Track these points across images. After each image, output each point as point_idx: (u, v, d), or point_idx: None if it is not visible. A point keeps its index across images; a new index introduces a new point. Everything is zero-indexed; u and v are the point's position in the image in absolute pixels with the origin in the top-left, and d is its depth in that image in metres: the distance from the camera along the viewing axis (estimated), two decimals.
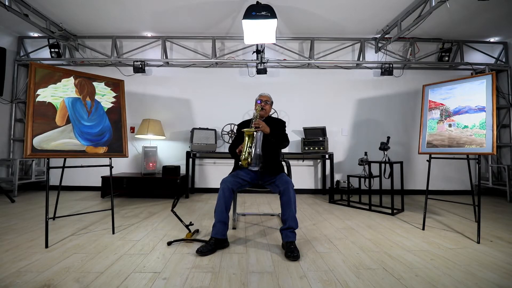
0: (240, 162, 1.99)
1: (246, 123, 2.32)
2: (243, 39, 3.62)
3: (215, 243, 1.80)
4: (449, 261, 1.68)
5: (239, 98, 4.35)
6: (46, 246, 1.83)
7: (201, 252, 1.72)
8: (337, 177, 4.27)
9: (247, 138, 2.00)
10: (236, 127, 2.32)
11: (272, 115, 4.21)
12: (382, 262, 1.65)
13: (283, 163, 2.44)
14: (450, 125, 2.35)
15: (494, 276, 1.47)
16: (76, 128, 2.12)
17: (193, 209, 3.08)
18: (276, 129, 2.19)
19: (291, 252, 1.69)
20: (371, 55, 4.39)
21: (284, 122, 2.35)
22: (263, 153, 2.21)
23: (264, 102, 2.30)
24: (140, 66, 4.19)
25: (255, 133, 2.08)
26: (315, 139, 3.92)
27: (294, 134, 4.36)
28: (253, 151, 2.02)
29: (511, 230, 2.34)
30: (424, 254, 1.78)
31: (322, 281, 1.41)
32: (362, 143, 4.34)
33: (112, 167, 2.27)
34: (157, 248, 1.85)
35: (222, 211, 1.87)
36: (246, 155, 1.96)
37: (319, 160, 4.34)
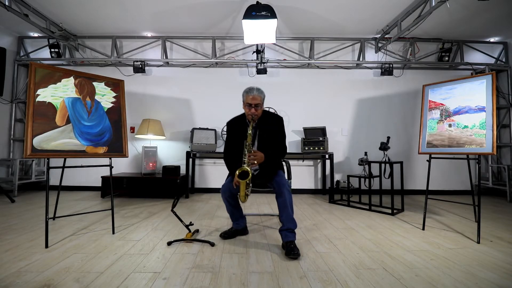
0: (239, 198, 1.91)
1: (236, 121, 2.10)
2: (243, 39, 3.62)
3: (235, 231, 2.10)
4: (449, 261, 1.68)
5: (239, 98, 4.31)
6: (46, 246, 1.83)
7: (224, 236, 2.04)
8: (337, 177, 4.27)
9: (242, 184, 1.81)
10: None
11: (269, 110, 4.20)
12: (382, 262, 1.65)
13: (283, 163, 2.43)
14: (450, 125, 2.35)
15: (494, 276, 1.47)
16: (76, 128, 2.12)
17: (193, 209, 3.08)
18: (274, 131, 2.01)
19: (291, 250, 1.70)
20: (371, 55, 4.39)
21: (281, 119, 2.07)
22: (260, 170, 2.00)
23: (255, 107, 1.94)
24: (140, 66, 4.19)
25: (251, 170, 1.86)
26: (315, 139, 3.92)
27: (294, 134, 4.36)
28: (250, 181, 1.86)
29: (511, 230, 2.34)
30: (424, 254, 1.78)
31: (322, 281, 1.41)
32: (362, 143, 4.34)
33: (112, 167, 2.27)
34: (157, 248, 1.85)
35: (232, 212, 2.08)
36: (243, 195, 1.84)
37: (319, 160, 4.34)
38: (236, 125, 2.09)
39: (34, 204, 3.22)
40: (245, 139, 1.90)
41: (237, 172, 1.83)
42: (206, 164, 4.34)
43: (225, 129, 4.25)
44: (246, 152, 1.88)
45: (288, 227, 1.82)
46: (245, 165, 1.86)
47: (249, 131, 1.89)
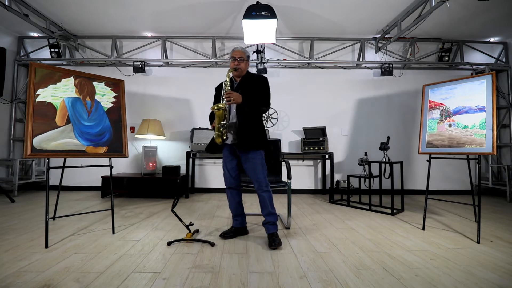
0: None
1: (221, 84, 2.12)
2: (243, 39, 3.62)
3: (235, 231, 2.11)
4: (449, 261, 1.68)
5: None
6: (46, 246, 1.83)
7: (224, 236, 2.06)
8: (337, 177, 4.27)
9: (218, 114, 1.90)
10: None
11: (271, 115, 4.25)
12: (382, 262, 1.65)
13: (283, 163, 2.43)
14: (450, 125, 2.35)
15: (494, 276, 1.47)
16: (76, 128, 2.12)
17: (193, 209, 3.08)
18: (257, 89, 1.98)
19: (272, 241, 1.87)
20: (371, 55, 4.39)
21: (265, 79, 2.05)
22: (239, 122, 1.97)
23: (238, 60, 1.98)
24: (140, 66, 4.19)
25: (226, 107, 1.92)
26: (315, 139, 3.92)
27: (294, 134, 4.36)
28: (227, 124, 1.93)
29: (511, 230, 2.34)
30: (424, 254, 1.78)
31: (322, 281, 1.41)
32: (362, 143, 4.34)
33: (112, 167, 2.27)
34: (157, 248, 1.85)
35: (235, 207, 2.13)
36: (217, 133, 1.92)
37: (319, 160, 4.34)
38: (221, 86, 2.11)
39: (34, 204, 3.22)
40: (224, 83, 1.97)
41: (214, 106, 1.89)
42: (206, 164, 4.34)
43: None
44: (223, 92, 1.94)
45: (268, 221, 1.97)
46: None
47: (228, 76, 1.95)
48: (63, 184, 3.34)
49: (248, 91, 1.97)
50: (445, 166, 4.29)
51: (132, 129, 4.32)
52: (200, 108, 4.38)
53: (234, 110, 1.99)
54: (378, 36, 4.21)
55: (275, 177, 2.61)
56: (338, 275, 1.47)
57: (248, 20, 3.10)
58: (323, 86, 4.42)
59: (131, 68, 4.31)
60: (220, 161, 4.31)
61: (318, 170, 4.34)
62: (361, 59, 4.28)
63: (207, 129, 4.01)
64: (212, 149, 2.08)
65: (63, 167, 2.33)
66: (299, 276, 1.46)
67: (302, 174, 4.31)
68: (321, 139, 3.90)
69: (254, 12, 3.05)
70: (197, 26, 4.04)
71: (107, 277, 1.42)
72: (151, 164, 3.91)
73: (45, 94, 2.01)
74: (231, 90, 1.96)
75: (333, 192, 3.70)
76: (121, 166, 4.26)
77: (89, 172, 4.22)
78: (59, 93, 2.08)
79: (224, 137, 1.94)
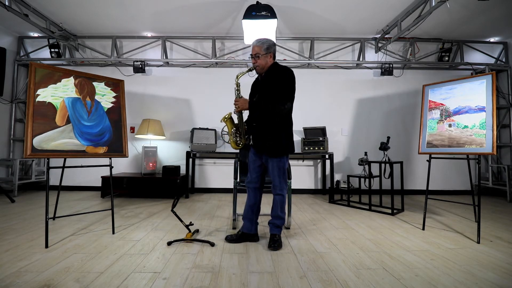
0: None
1: (253, 83, 2.12)
2: (243, 39, 3.62)
3: (241, 236, 1.99)
4: (449, 261, 1.68)
5: None
6: (46, 246, 1.83)
7: (229, 240, 1.97)
8: (337, 177, 4.27)
9: (227, 123, 2.02)
10: None
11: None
12: (382, 262, 1.65)
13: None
14: (450, 125, 2.35)
15: (494, 276, 1.47)
16: (76, 128, 2.12)
17: (193, 209, 3.08)
18: (276, 81, 1.84)
19: (272, 243, 1.86)
20: (371, 55, 4.39)
21: (285, 73, 1.83)
22: (254, 126, 1.98)
23: (254, 58, 1.87)
24: (140, 66, 4.19)
25: (232, 115, 2.02)
26: (315, 139, 3.92)
27: (294, 134, 4.34)
28: (241, 130, 2.02)
29: (511, 230, 2.34)
30: (424, 254, 1.78)
31: (322, 281, 1.41)
32: (362, 143, 4.33)
33: (112, 167, 2.26)
34: (157, 248, 1.85)
35: (247, 209, 2.04)
36: (231, 138, 2.03)
37: (319, 160, 4.34)
38: (253, 84, 2.15)
39: (34, 204, 3.22)
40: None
41: (223, 118, 2.03)
42: (206, 164, 4.34)
43: (225, 129, 4.26)
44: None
45: (274, 222, 1.96)
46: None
47: (236, 81, 1.97)
48: (63, 184, 3.34)
49: (266, 87, 1.89)
50: (445, 166, 4.29)
51: (132, 129, 4.32)
52: (200, 108, 4.38)
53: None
54: (378, 36, 4.21)
55: None
56: (338, 275, 1.47)
57: (248, 20, 3.10)
58: (323, 86, 4.42)
59: (131, 68, 4.31)
60: (220, 161, 4.31)
61: (318, 170, 4.34)
62: (361, 59, 4.28)
63: (207, 129, 4.02)
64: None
65: (63, 167, 2.33)
66: (299, 276, 1.46)
67: (302, 174, 4.31)
68: (321, 139, 3.90)
69: (254, 12, 3.05)
70: (197, 26, 4.04)
71: (107, 277, 1.42)
72: (151, 164, 3.91)
73: (45, 94, 2.01)
74: (257, 87, 2.03)
75: (333, 192, 3.70)
76: (121, 166, 4.26)
77: (89, 172, 4.22)
78: (59, 93, 2.07)
79: (239, 144, 2.03)
